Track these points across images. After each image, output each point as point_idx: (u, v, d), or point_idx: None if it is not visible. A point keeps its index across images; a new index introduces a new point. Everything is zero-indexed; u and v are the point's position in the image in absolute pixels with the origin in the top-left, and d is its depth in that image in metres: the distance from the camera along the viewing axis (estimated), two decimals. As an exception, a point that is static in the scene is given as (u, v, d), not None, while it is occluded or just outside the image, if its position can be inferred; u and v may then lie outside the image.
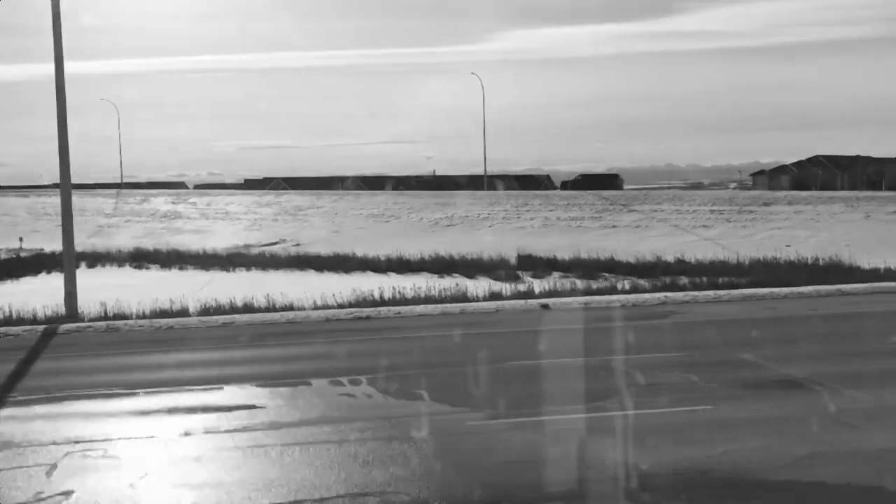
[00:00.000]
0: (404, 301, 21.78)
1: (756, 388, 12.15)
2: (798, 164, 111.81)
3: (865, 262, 28.94)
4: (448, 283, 27.29)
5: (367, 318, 19.65)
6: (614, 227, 41.21)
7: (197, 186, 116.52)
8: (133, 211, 62.44)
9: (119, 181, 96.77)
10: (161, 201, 67.29)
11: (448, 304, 21.45)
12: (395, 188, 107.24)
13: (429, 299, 22.13)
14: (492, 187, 77.24)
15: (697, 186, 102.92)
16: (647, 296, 22.51)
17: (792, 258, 30.65)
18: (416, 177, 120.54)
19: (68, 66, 21.39)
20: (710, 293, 22.30)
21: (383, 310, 20.36)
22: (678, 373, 13.15)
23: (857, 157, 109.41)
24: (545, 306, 21.04)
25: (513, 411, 11.31)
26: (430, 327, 18.32)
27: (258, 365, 15.52)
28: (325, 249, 40.49)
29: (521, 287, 26.28)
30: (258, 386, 13.31)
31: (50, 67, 21.28)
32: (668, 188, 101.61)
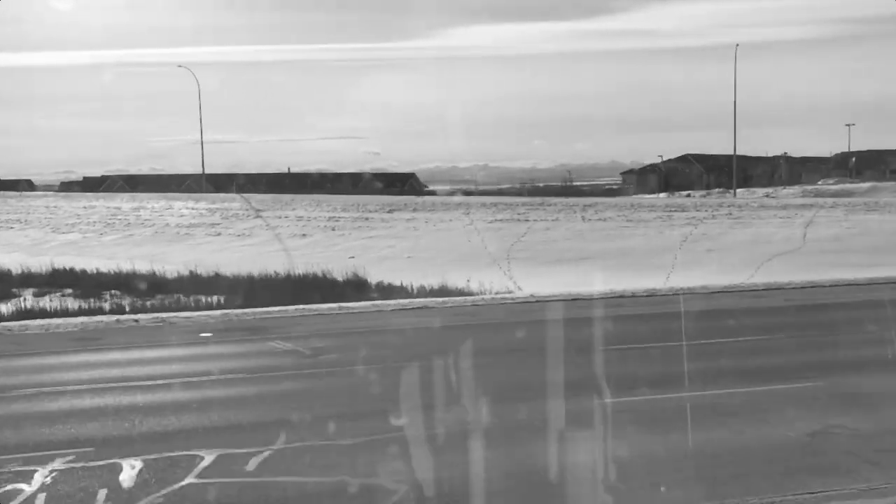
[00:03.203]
0: None
1: None
2: (667, 162, 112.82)
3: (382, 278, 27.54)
4: None
5: None
6: (218, 234, 38.54)
7: (63, 185, 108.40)
8: None
9: None
10: None
11: None
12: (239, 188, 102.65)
13: None
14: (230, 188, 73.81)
15: (568, 190, 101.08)
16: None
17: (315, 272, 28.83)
18: (283, 174, 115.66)
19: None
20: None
21: None
22: None
23: (723, 156, 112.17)
24: None
25: None
26: None
27: None
28: None
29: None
30: None
31: None
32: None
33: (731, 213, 38.07)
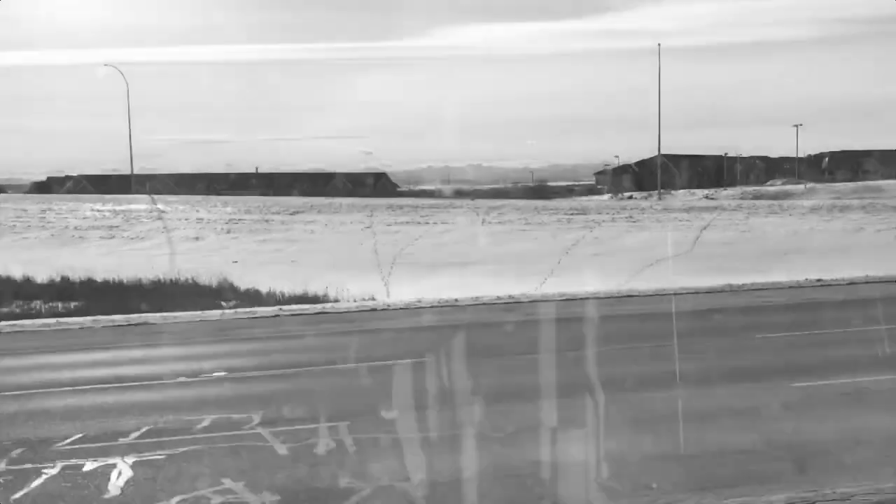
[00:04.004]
0: None
1: None
2: (640, 163, 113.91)
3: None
4: None
5: None
6: (112, 237, 37.80)
7: (34, 186, 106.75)
8: None
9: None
10: None
11: None
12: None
13: None
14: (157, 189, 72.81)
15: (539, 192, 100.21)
16: None
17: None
18: (245, 173, 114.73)
19: None
20: None
21: None
22: None
23: (695, 156, 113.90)
24: None
25: None
26: None
27: None
28: None
29: None
30: None
31: None
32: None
33: (631, 217, 37.92)
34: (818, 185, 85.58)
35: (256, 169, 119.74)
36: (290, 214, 40.70)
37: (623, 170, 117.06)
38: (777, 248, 32.08)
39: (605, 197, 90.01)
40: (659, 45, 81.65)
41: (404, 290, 26.29)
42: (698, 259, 30.77)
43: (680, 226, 36.17)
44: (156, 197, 48.99)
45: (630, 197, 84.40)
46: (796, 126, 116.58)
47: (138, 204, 46.51)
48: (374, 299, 24.76)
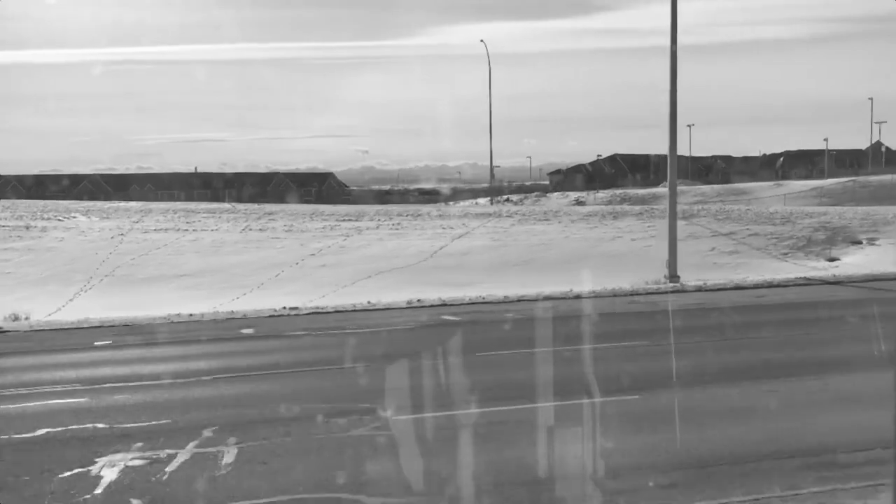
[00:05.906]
0: None
1: None
2: (595, 162, 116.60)
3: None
4: None
5: None
6: None
7: None
8: None
9: None
10: None
11: None
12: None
13: None
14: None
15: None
16: None
17: None
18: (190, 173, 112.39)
19: None
20: None
21: None
22: None
23: (646, 155, 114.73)
24: None
25: None
26: None
27: None
28: None
29: None
30: None
31: None
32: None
33: (399, 224, 37.25)
34: (684, 188, 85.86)
35: (195, 168, 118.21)
36: (59, 220, 39.35)
37: (578, 170, 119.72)
38: (514, 258, 31.57)
39: (484, 200, 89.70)
40: (482, 41, 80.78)
41: (88, 307, 25.27)
42: (422, 272, 30.14)
43: (441, 234, 35.56)
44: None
45: (507, 200, 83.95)
46: (690, 126, 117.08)
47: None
48: (27, 318, 23.70)
